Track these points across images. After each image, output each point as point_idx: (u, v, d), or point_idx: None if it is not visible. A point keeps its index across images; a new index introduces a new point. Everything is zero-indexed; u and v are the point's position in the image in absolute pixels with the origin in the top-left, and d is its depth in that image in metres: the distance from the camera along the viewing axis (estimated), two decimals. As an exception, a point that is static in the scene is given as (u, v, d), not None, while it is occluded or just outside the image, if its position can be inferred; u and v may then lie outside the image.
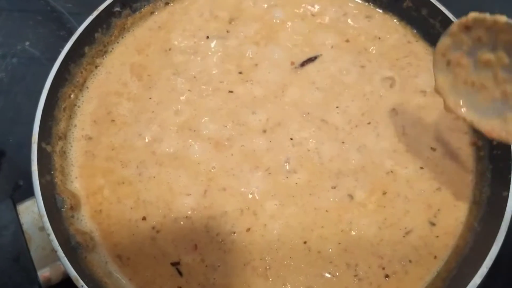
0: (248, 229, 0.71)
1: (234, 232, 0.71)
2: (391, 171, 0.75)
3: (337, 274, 0.69)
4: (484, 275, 0.62)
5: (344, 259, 0.69)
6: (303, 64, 0.85)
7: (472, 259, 0.67)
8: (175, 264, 0.69)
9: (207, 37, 0.88)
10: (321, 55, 0.86)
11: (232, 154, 0.76)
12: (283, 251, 0.70)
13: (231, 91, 0.82)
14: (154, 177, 0.75)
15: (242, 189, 0.74)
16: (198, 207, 0.72)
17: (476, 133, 0.78)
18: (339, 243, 0.70)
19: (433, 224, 0.72)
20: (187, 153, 0.77)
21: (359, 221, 0.72)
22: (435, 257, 0.70)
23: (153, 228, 0.71)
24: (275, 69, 0.84)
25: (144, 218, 0.72)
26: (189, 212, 0.72)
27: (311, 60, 0.85)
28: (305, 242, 0.70)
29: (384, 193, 0.74)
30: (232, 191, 0.74)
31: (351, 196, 0.74)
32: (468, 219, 0.73)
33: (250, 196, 0.73)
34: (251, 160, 0.76)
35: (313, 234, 0.71)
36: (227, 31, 0.89)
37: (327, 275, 0.69)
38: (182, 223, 0.71)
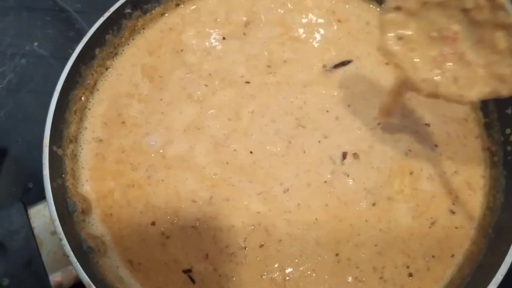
0: (262, 245, 0.70)
1: (246, 248, 0.69)
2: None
3: (363, 279, 0.68)
4: (499, 283, 0.61)
5: (372, 263, 0.68)
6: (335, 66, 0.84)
7: (486, 266, 0.67)
8: (187, 272, 0.68)
9: (224, 38, 0.88)
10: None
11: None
12: (306, 265, 0.68)
13: (247, 82, 0.83)
14: (162, 180, 0.74)
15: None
16: (203, 217, 0.71)
17: (490, 138, 0.78)
18: (376, 245, 0.70)
19: (453, 212, 0.72)
20: (192, 154, 0.76)
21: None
22: (453, 255, 0.70)
23: (163, 234, 0.70)
24: (305, 68, 0.84)
25: (153, 223, 0.71)
26: (195, 222, 0.71)
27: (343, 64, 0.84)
28: (337, 254, 0.69)
29: None
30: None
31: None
32: (482, 225, 0.72)
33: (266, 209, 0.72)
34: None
35: (348, 245, 0.70)
36: (244, 34, 0.88)
37: (351, 280, 0.68)
38: (189, 232, 0.70)
